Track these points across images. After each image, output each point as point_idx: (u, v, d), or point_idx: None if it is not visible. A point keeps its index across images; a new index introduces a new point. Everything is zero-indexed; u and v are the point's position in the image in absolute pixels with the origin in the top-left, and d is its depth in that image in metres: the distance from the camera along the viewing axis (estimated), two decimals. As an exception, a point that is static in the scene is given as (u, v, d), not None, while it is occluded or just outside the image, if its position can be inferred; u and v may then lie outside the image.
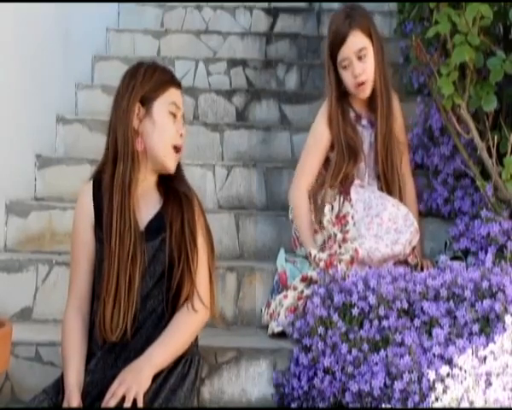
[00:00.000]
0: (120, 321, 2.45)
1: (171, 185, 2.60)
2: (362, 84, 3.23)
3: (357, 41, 3.21)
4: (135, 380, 2.36)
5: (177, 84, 2.63)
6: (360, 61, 3.21)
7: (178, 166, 2.64)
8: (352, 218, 3.11)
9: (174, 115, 2.59)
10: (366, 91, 3.26)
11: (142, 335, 2.49)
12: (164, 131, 2.57)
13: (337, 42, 3.21)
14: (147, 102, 2.57)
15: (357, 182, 3.22)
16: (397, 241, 3.09)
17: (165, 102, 2.58)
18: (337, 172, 3.20)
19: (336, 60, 3.24)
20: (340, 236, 3.10)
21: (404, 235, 3.10)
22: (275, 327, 3.03)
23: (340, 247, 3.10)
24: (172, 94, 2.60)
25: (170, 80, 2.61)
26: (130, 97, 2.56)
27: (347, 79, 3.22)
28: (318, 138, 3.29)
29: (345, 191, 3.16)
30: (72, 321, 2.53)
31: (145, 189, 2.59)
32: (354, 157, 3.23)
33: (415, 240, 3.13)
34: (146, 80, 2.57)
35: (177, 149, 2.59)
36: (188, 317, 2.51)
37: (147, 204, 2.58)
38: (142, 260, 2.49)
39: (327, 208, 3.14)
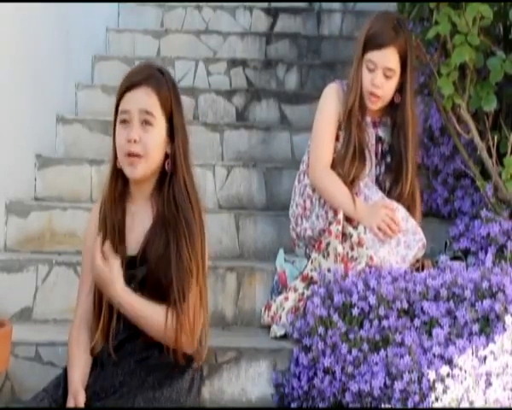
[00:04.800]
0: (99, 338, 2.49)
1: (170, 197, 2.51)
2: (375, 96, 3.22)
3: (390, 59, 3.17)
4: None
5: (130, 86, 2.50)
6: (383, 77, 3.19)
7: (176, 174, 2.52)
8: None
9: (125, 121, 2.49)
10: (374, 104, 3.22)
11: (137, 344, 2.50)
12: (118, 144, 2.50)
13: (373, 43, 3.17)
14: (116, 119, 2.54)
15: (362, 183, 3.21)
16: (405, 258, 3.07)
17: (119, 114, 2.51)
18: (347, 174, 3.18)
19: (364, 54, 3.20)
20: (355, 237, 3.09)
21: (412, 251, 3.09)
22: (277, 331, 3.03)
23: (352, 249, 3.09)
24: (124, 101, 2.50)
25: (124, 87, 2.51)
26: (114, 116, 2.55)
27: (366, 80, 3.19)
28: (332, 118, 3.25)
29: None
30: (77, 331, 2.54)
31: (137, 205, 2.56)
32: (363, 160, 3.22)
33: (420, 254, 3.12)
34: (118, 92, 2.54)
35: (130, 155, 2.48)
36: (165, 315, 2.45)
37: (140, 222, 2.53)
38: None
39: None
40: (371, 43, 3.17)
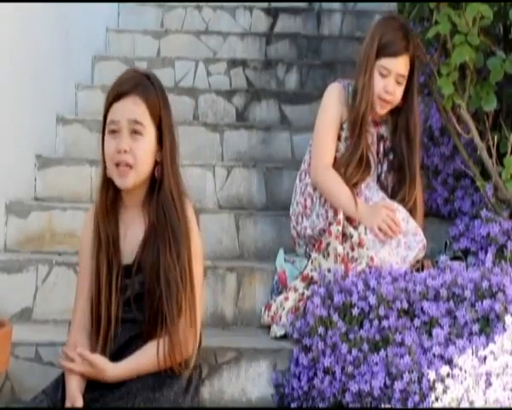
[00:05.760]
0: (99, 348, 2.48)
1: (160, 207, 2.50)
2: (385, 101, 3.22)
3: (403, 66, 3.20)
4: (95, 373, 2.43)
5: (118, 96, 2.47)
6: (395, 84, 3.20)
7: (163, 182, 2.50)
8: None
9: (114, 131, 2.47)
10: (384, 109, 3.24)
11: (137, 347, 2.49)
12: (107, 154, 2.49)
13: (388, 51, 3.19)
14: (104, 129, 2.52)
15: (363, 184, 3.22)
16: (405, 259, 3.07)
17: (108, 124, 2.50)
18: (351, 177, 3.19)
19: (377, 60, 3.20)
20: (356, 238, 3.09)
21: (412, 251, 3.09)
22: (277, 331, 3.03)
23: (352, 249, 3.09)
24: (112, 112, 2.48)
25: (110, 99, 2.50)
26: (102, 126, 2.53)
27: (378, 86, 3.20)
28: (334, 118, 3.25)
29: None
30: (75, 335, 2.53)
31: (130, 214, 2.55)
32: (369, 167, 3.23)
33: (420, 254, 3.12)
34: (105, 102, 2.52)
35: (120, 165, 2.47)
36: (155, 355, 2.45)
37: (133, 232, 2.53)
38: (120, 292, 2.49)
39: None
40: (385, 51, 3.20)
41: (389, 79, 3.20)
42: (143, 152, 2.48)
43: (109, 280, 2.49)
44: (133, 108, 2.47)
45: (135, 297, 2.48)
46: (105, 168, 2.52)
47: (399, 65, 3.20)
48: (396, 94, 3.22)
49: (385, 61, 3.20)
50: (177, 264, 2.45)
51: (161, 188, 2.50)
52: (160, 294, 2.44)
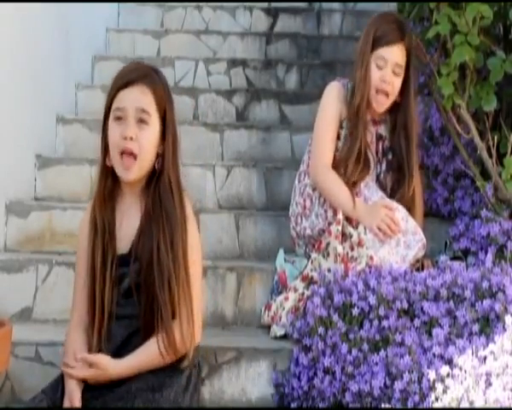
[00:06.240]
0: (95, 341, 2.48)
1: (156, 195, 2.50)
2: (383, 93, 3.22)
3: (399, 55, 3.20)
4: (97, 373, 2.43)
5: (125, 84, 2.47)
6: (392, 74, 3.21)
7: (163, 173, 2.50)
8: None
9: (119, 118, 2.47)
10: (382, 104, 3.23)
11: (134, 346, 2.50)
12: (112, 141, 2.48)
13: (383, 41, 3.20)
14: (106, 117, 2.51)
15: (362, 184, 3.22)
16: (405, 258, 3.07)
17: (112, 112, 2.49)
18: (350, 175, 3.19)
19: (373, 52, 3.21)
20: (355, 237, 3.09)
21: (412, 251, 3.09)
22: (277, 331, 3.03)
23: (352, 249, 3.09)
24: (118, 99, 2.48)
25: (118, 85, 2.49)
26: (105, 114, 2.53)
27: (375, 77, 3.20)
28: (334, 116, 3.26)
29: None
30: (74, 333, 2.54)
31: (127, 202, 2.55)
32: (368, 165, 3.23)
33: (420, 253, 3.12)
34: (111, 90, 2.51)
35: (124, 153, 2.46)
36: (157, 351, 2.45)
37: (129, 220, 2.53)
38: (115, 283, 2.49)
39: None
40: (381, 41, 3.20)
41: (386, 70, 3.20)
42: (148, 142, 2.48)
43: (104, 269, 2.49)
44: (140, 97, 2.48)
45: (131, 290, 2.48)
46: (104, 157, 2.51)
47: (395, 54, 3.20)
48: (394, 85, 3.21)
49: (381, 51, 3.20)
50: (170, 251, 2.44)
51: (160, 178, 2.50)
52: (154, 280, 2.43)
